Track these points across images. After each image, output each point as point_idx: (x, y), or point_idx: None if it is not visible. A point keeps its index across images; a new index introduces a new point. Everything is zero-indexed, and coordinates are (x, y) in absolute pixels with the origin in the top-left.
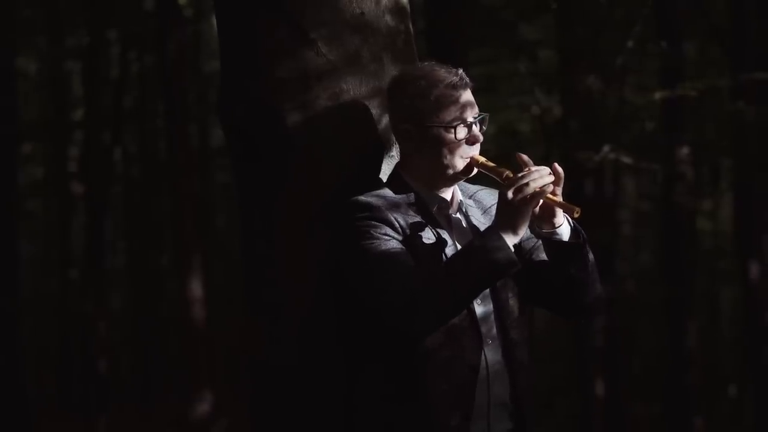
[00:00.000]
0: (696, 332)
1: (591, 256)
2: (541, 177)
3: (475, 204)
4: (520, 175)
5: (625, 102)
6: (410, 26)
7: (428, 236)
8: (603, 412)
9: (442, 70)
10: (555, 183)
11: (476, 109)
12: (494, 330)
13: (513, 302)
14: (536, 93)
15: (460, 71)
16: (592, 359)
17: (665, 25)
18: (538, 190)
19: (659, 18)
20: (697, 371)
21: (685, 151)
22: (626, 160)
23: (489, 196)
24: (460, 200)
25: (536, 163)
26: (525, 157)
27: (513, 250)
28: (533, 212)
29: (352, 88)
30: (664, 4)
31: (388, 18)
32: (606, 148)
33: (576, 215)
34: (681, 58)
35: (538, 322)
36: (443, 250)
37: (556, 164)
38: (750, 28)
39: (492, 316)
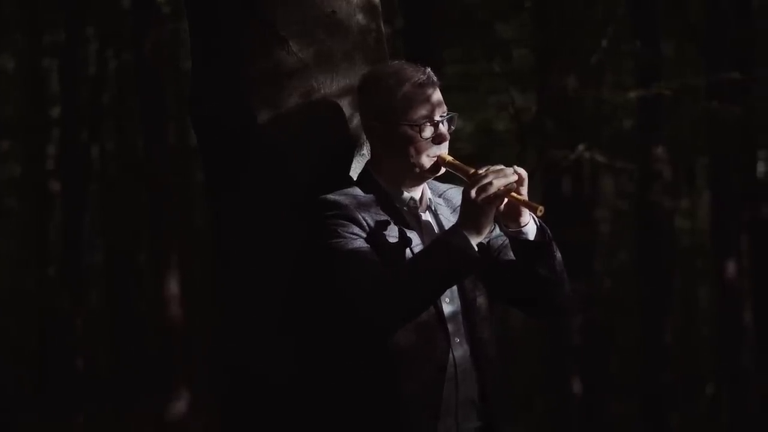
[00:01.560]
0: (673, 330)
1: (558, 254)
2: (504, 176)
3: (445, 203)
4: (482, 174)
5: (601, 101)
6: (381, 25)
7: (396, 235)
8: (580, 410)
9: (410, 68)
10: (518, 182)
11: (444, 108)
12: (462, 328)
13: (481, 301)
14: (511, 92)
15: (428, 70)
16: (570, 357)
17: (641, 24)
18: (501, 189)
19: (635, 17)
20: (674, 369)
21: (661, 150)
22: (601, 159)
23: (458, 195)
24: (430, 199)
25: (512, 163)
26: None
27: (476, 249)
28: (498, 211)
29: (324, 86)
30: (640, 3)
31: (359, 17)
32: (581, 147)
33: (539, 213)
34: (657, 57)
35: (516, 320)
36: (410, 249)
37: (517, 167)
38: (726, 28)
39: (460, 315)
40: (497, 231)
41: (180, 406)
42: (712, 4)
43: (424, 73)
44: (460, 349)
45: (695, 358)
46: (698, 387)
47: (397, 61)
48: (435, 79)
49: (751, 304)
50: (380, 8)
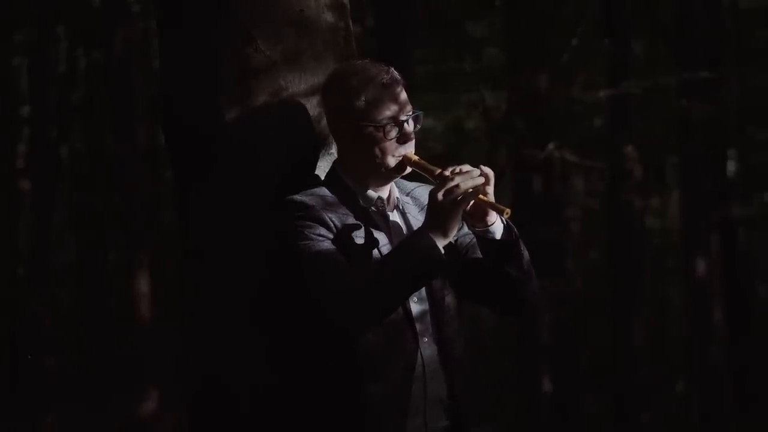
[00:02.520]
0: (644, 329)
1: (526, 253)
2: (471, 178)
3: (413, 201)
4: (449, 175)
5: (572, 100)
6: (350, 23)
7: (363, 235)
8: (551, 409)
9: (374, 68)
10: (485, 183)
11: (409, 107)
12: (430, 328)
13: (450, 300)
14: (482, 91)
15: (392, 69)
16: (541, 356)
17: (612, 23)
18: (468, 191)
19: (606, 16)
20: (645, 367)
21: (631, 148)
22: (571, 157)
23: (426, 193)
24: (397, 198)
25: (482, 162)
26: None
27: (443, 251)
28: (465, 211)
29: (292, 85)
30: (610, 2)
31: (327, 15)
32: (551, 146)
33: (506, 216)
34: (628, 56)
35: (487, 318)
36: (378, 250)
37: (484, 166)
38: (696, 27)
39: (428, 314)
40: (465, 229)
41: (149, 405)
42: (683, 2)
43: (388, 72)
44: (428, 349)
45: (666, 356)
46: (669, 385)
47: (360, 61)
48: (399, 77)
49: (721, 302)
50: (349, 7)
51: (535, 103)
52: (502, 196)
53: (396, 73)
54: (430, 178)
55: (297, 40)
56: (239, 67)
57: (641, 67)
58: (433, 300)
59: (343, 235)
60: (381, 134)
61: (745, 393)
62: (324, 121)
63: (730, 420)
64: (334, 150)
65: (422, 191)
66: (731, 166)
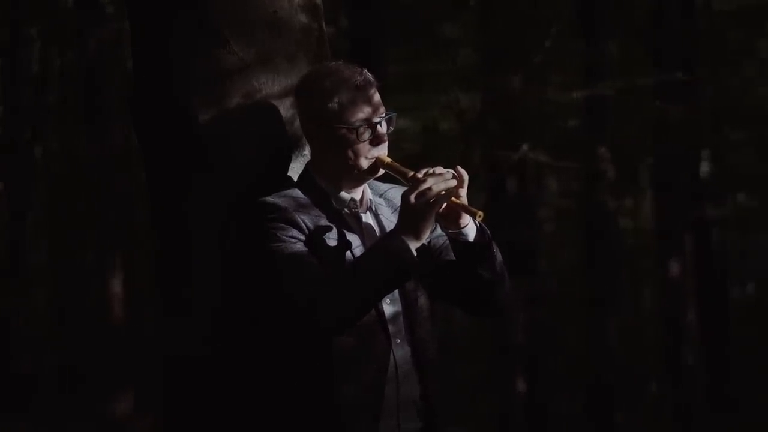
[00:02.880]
0: (617, 329)
1: (499, 255)
2: (443, 181)
3: (386, 203)
4: (421, 178)
5: (546, 101)
6: (323, 25)
7: (336, 237)
8: (525, 409)
9: (347, 69)
10: (458, 186)
11: (382, 109)
12: (403, 329)
13: (422, 301)
14: (456, 92)
15: (365, 71)
16: (515, 357)
17: (587, 24)
18: (441, 193)
19: (581, 17)
20: (618, 368)
21: (605, 149)
22: (545, 158)
23: (400, 195)
24: (370, 199)
25: (456, 163)
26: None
27: (415, 253)
28: (438, 213)
29: (265, 86)
30: (585, 3)
31: (301, 16)
32: (525, 147)
33: (478, 219)
34: (602, 57)
35: (461, 319)
36: (351, 251)
37: (459, 167)
38: (671, 28)
39: (401, 316)
40: (438, 231)
41: (124, 405)
42: (658, 4)
43: (361, 74)
44: (401, 350)
45: (640, 356)
46: (643, 385)
47: (334, 62)
48: (372, 79)
49: (695, 302)
50: (322, 8)
51: (509, 104)
52: (476, 197)
53: (369, 75)
54: (403, 180)
55: (270, 41)
56: (212, 69)
57: (616, 68)
58: (406, 301)
59: (315, 236)
60: (354, 136)
61: (719, 393)
62: (297, 123)
63: (704, 420)
64: (307, 151)
65: (395, 193)
66: (705, 167)
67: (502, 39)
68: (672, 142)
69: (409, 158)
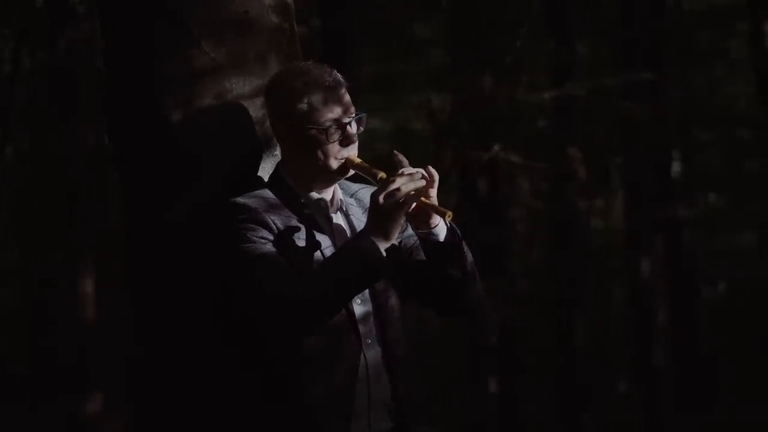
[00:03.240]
0: (587, 329)
1: (469, 255)
2: (413, 181)
3: (356, 203)
4: (390, 179)
5: (516, 101)
6: (294, 25)
7: (306, 238)
8: (497, 410)
9: (317, 70)
10: (428, 186)
11: (352, 109)
12: (374, 330)
13: (393, 302)
14: (427, 92)
15: (334, 71)
16: (486, 357)
17: (556, 24)
18: (410, 194)
19: (550, 17)
20: (589, 368)
21: (576, 149)
22: (516, 159)
23: (370, 195)
24: (341, 199)
25: (428, 163)
26: (401, 156)
27: (384, 253)
28: (408, 213)
29: (236, 87)
30: (554, 3)
31: (272, 17)
32: (496, 147)
33: (448, 218)
34: (572, 57)
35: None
36: (321, 252)
37: (430, 167)
38: (640, 28)
39: (371, 316)
40: (409, 231)
41: (94, 406)
42: (627, 4)
43: (330, 74)
44: (371, 351)
45: (610, 356)
46: (612, 385)
47: (303, 63)
48: (342, 79)
49: (664, 302)
50: (293, 8)
51: (480, 105)
52: (448, 198)
53: (339, 75)
54: (373, 181)
55: (241, 41)
56: (183, 69)
57: (585, 68)
58: (377, 302)
59: (285, 237)
60: (324, 137)
61: (689, 393)
62: (268, 123)
63: (673, 420)
64: (277, 152)
65: (366, 193)
66: (675, 167)
67: (473, 40)
68: (642, 143)
69: (380, 159)
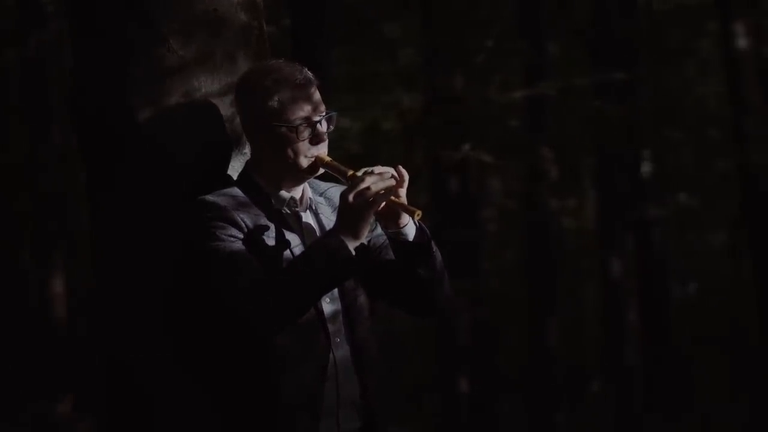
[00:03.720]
0: (559, 329)
1: (438, 254)
2: (382, 180)
3: (326, 202)
4: (360, 177)
5: (488, 100)
6: (263, 23)
7: (275, 236)
8: (468, 409)
9: (288, 68)
10: (398, 185)
11: (323, 108)
12: (343, 329)
13: (362, 301)
14: (398, 91)
15: (305, 69)
16: (458, 356)
17: (527, 24)
18: (380, 192)
19: (521, 17)
20: (560, 367)
21: (547, 149)
22: (487, 158)
23: (339, 194)
24: (310, 198)
25: (399, 163)
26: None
27: (353, 252)
28: (377, 212)
29: (205, 85)
30: (526, 3)
31: (241, 15)
32: (467, 147)
33: (417, 217)
34: (543, 57)
35: (404, 319)
36: (290, 251)
37: (401, 167)
38: (611, 28)
39: (341, 315)
40: (378, 230)
41: (64, 407)
42: (598, 4)
43: (301, 72)
44: (340, 350)
45: (581, 356)
46: (584, 384)
47: (274, 61)
48: (313, 78)
49: (636, 302)
50: (262, 6)
51: (451, 104)
52: (419, 197)
53: (309, 74)
54: (342, 179)
55: (210, 39)
56: (152, 67)
57: (557, 68)
58: (346, 301)
59: (255, 235)
60: (294, 135)
61: (659, 393)
62: (237, 121)
63: (644, 419)
64: (247, 150)
65: (335, 192)
66: (646, 167)
67: (444, 39)
68: (613, 142)
69: (351, 158)
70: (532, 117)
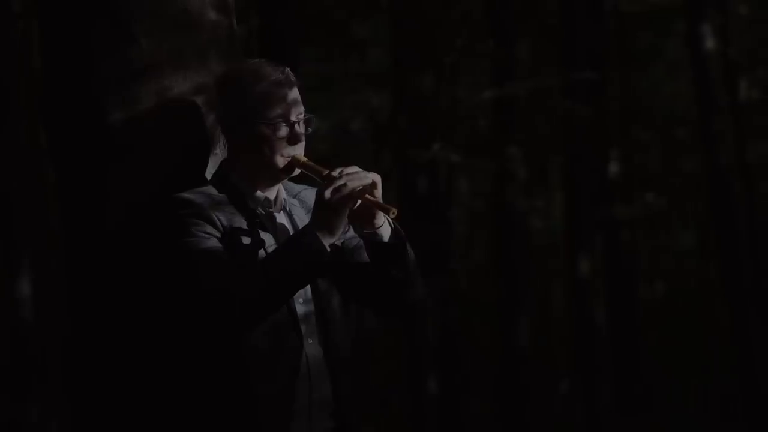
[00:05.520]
0: (527, 329)
1: (412, 256)
2: (358, 178)
3: (300, 203)
4: (337, 175)
5: (457, 100)
6: (234, 22)
7: (249, 235)
8: (437, 410)
9: (269, 67)
10: (372, 185)
11: (302, 109)
12: (316, 329)
13: (335, 302)
14: (367, 91)
15: (287, 69)
16: (426, 357)
17: (496, 24)
18: (355, 190)
19: (490, 17)
20: (529, 367)
21: (516, 149)
22: (456, 158)
23: (313, 196)
24: (284, 199)
25: (368, 162)
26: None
27: (328, 249)
28: (353, 213)
29: (176, 84)
30: (494, 3)
31: (211, 14)
32: (436, 147)
33: (392, 215)
34: (512, 57)
35: (371, 318)
36: (264, 250)
37: (371, 172)
38: (579, 29)
39: (313, 316)
40: (351, 232)
41: (33, 409)
42: (566, 4)
43: (282, 72)
44: (313, 350)
45: (550, 355)
46: (552, 385)
47: (256, 60)
48: (293, 78)
49: (604, 302)
50: (233, 5)
51: (420, 104)
52: (387, 197)
53: (291, 74)
54: (318, 179)
55: (181, 39)
56: (122, 67)
57: (526, 68)
58: (319, 302)
59: (229, 234)
60: (272, 132)
61: (628, 393)
62: (209, 121)
63: (613, 420)
64: (218, 150)
65: (309, 194)
66: (614, 167)
67: (413, 39)
68: (581, 142)
69: (320, 158)
70: (501, 116)
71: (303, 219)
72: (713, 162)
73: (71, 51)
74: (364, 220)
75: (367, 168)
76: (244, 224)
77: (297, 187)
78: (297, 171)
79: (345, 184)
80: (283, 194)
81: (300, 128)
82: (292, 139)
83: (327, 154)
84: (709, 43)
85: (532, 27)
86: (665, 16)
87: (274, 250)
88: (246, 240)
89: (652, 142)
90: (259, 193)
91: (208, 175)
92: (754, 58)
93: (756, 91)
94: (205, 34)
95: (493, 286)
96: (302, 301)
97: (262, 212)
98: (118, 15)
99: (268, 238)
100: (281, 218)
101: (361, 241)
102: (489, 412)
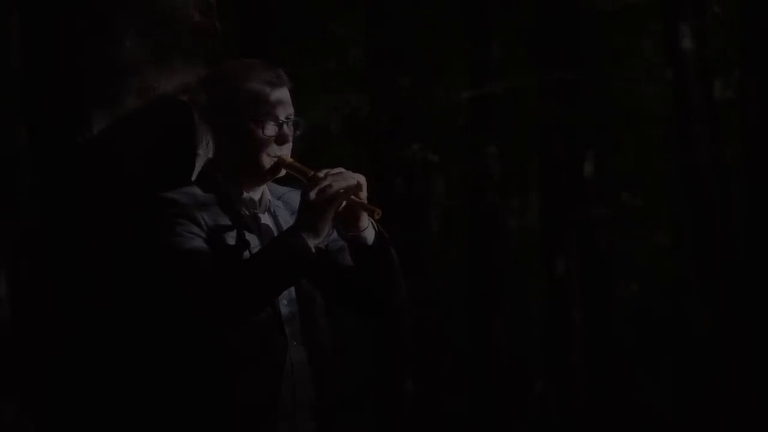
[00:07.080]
0: (503, 329)
1: (396, 258)
2: (344, 179)
3: (284, 205)
4: (323, 176)
5: (434, 100)
6: (217, 22)
7: (234, 236)
8: (412, 410)
9: (262, 66)
10: (357, 187)
11: (291, 111)
12: (300, 331)
13: (318, 303)
14: (345, 91)
15: (280, 70)
16: (402, 357)
17: (472, 24)
18: (341, 191)
19: (467, 17)
20: (504, 368)
21: (493, 149)
22: (433, 158)
23: (297, 197)
24: (269, 200)
25: (345, 162)
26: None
27: (314, 250)
28: (338, 215)
29: (159, 84)
30: (471, 3)
31: (195, 14)
32: (413, 147)
33: (377, 216)
34: (489, 57)
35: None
36: (249, 251)
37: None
38: (555, 29)
39: (297, 317)
40: (335, 235)
41: (10, 409)
42: (542, 4)
43: (275, 72)
44: (297, 352)
45: (525, 356)
46: (527, 385)
47: (250, 59)
48: (286, 79)
49: (580, 302)
50: (215, 5)
51: (397, 104)
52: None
53: (284, 75)
54: (304, 180)
55: (164, 38)
56: (106, 66)
57: (502, 68)
58: (303, 303)
59: (214, 234)
60: (260, 131)
61: (603, 393)
62: (193, 121)
63: (587, 420)
64: (201, 151)
65: (293, 195)
66: (588, 167)
67: (390, 39)
68: (557, 142)
69: (305, 162)
70: (478, 117)
71: (287, 221)
72: (689, 161)
73: (54, 50)
74: (349, 222)
75: (348, 169)
76: (228, 225)
77: (281, 189)
78: (283, 172)
79: (330, 185)
80: (268, 195)
81: (288, 129)
82: (280, 138)
83: (304, 154)
84: (686, 43)
85: (507, 26)
86: (641, 16)
87: (259, 251)
88: (231, 241)
89: (627, 142)
90: (244, 193)
91: (193, 175)
92: (726, 59)
93: (730, 92)
94: (189, 35)
95: (469, 285)
96: (287, 302)
97: (247, 213)
98: (101, 13)
99: (252, 239)
100: (266, 219)
101: (345, 244)
102: (464, 412)
